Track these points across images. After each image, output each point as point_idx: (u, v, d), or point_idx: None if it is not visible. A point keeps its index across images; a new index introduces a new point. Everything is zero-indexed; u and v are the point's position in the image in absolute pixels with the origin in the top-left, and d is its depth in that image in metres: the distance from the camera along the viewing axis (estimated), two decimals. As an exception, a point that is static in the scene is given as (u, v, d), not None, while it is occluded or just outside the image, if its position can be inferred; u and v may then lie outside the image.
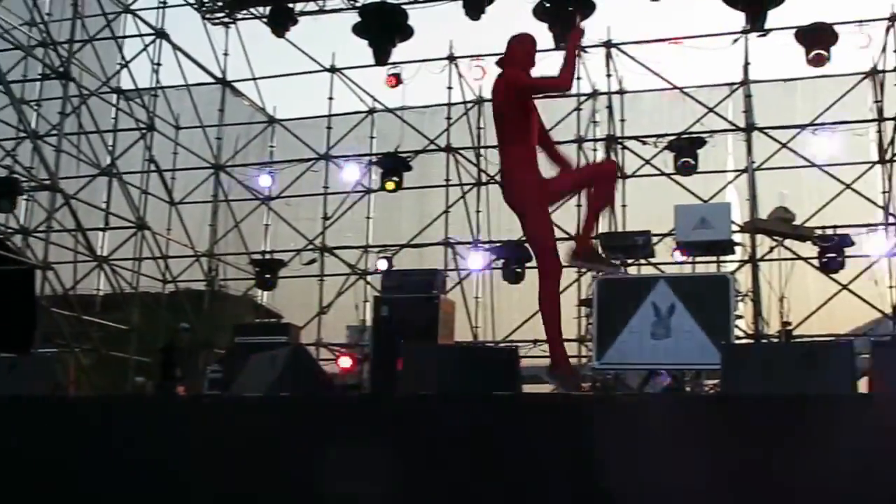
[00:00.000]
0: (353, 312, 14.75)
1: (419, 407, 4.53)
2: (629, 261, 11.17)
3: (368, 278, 15.16)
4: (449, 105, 15.40)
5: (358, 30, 14.10)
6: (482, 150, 15.51)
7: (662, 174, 14.05)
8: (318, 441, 4.29)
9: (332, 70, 15.97)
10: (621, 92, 14.95)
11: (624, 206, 14.54)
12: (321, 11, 15.22)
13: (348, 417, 4.53)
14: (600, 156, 14.78)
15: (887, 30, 13.56)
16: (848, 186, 13.39)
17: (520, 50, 5.89)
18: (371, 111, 16.38)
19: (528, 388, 9.74)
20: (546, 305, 5.69)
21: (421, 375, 6.10)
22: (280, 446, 4.32)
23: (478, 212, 15.25)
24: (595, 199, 5.78)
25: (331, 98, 16.06)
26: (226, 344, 12.73)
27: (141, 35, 15.42)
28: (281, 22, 14.60)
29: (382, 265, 14.38)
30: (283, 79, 16.84)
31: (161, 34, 15.34)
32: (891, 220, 13.37)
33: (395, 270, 13.56)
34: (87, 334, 13.32)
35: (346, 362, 12.84)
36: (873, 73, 13.98)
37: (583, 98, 14.87)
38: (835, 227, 12.69)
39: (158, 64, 15.42)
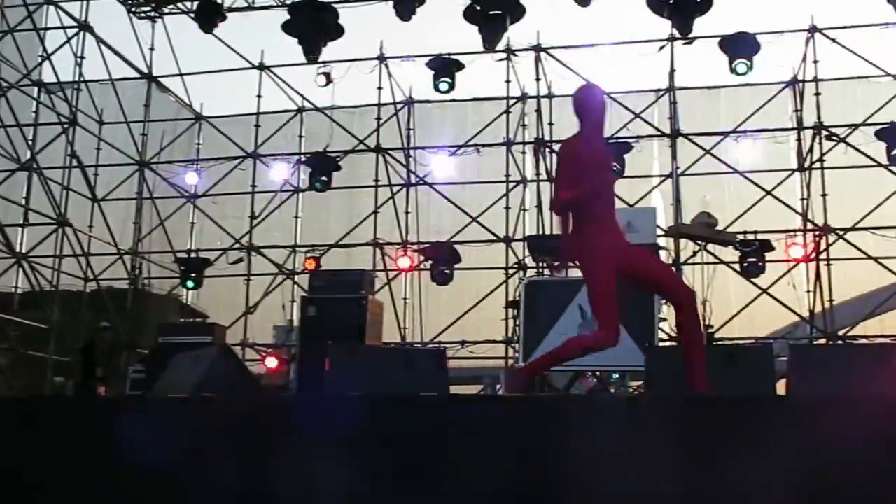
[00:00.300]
0: (280, 312, 14.61)
1: (346, 408, 4.50)
2: (556, 263, 11.24)
3: (296, 278, 15.05)
4: (379, 105, 15.36)
5: (287, 28, 13.99)
6: (412, 152, 15.52)
7: (589, 178, 14.18)
8: (242, 443, 4.24)
9: (261, 68, 15.81)
10: (550, 96, 15.08)
11: (551, 209, 14.68)
12: (250, 8, 15.05)
13: (274, 418, 4.48)
14: (529, 159, 14.90)
15: (807, 41, 13.94)
16: (768, 193, 13.71)
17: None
18: (300, 110, 16.26)
19: (455, 389, 9.79)
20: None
21: (348, 376, 6.08)
22: (204, 449, 4.25)
23: (407, 213, 15.27)
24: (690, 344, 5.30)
25: (259, 96, 15.92)
26: (149, 344, 12.52)
27: (64, 27, 15.06)
28: (209, 17, 14.40)
29: (310, 265, 14.30)
30: (211, 75, 16.63)
31: (85, 27, 15.00)
32: (809, 226, 13.73)
33: (323, 270, 13.49)
34: (5, 333, 12.96)
35: (272, 363, 12.73)
36: (793, 83, 14.36)
37: (512, 101, 14.97)
38: (756, 232, 12.98)
39: (82, 57, 15.06)
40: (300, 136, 16.25)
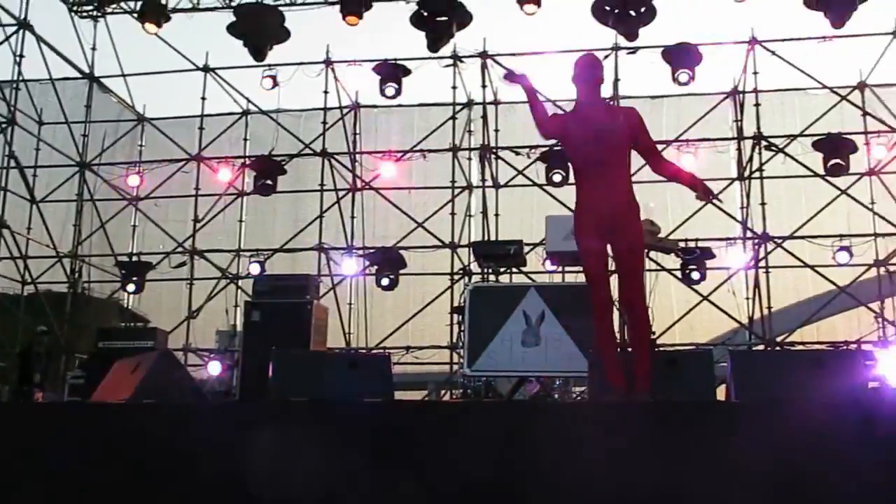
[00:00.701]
0: (223, 317, 14.48)
1: (290, 413, 4.48)
2: (501, 269, 11.31)
3: (240, 282, 14.91)
4: (325, 109, 15.29)
5: (233, 29, 13.89)
6: (358, 156, 15.48)
7: (535, 184, 14.31)
8: (183, 449, 4.19)
9: (206, 69, 15.64)
10: (496, 102, 15.18)
11: (497, 215, 14.77)
12: (195, 9, 14.91)
13: (216, 424, 4.44)
14: (475, 165, 14.95)
15: (747, 52, 14.21)
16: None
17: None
18: (245, 113, 16.13)
19: (400, 395, 9.78)
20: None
21: (292, 381, 6.05)
22: (144, 455, 4.19)
23: (352, 218, 15.22)
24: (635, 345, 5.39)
25: (203, 98, 15.72)
26: (88, 349, 12.32)
27: (3, 25, 14.74)
28: (153, 18, 14.23)
29: (254, 269, 14.19)
30: (154, 76, 16.44)
31: (24, 25, 14.69)
32: (748, 234, 13.97)
33: (268, 275, 13.41)
34: (-63, 337, 12.66)
35: (215, 368, 12.59)
36: (734, 94, 14.62)
37: (458, 107, 15.02)
38: (697, 240, 13.18)
39: (21, 56, 14.75)
40: (245, 140, 16.11)
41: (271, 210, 15.78)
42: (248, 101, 16.02)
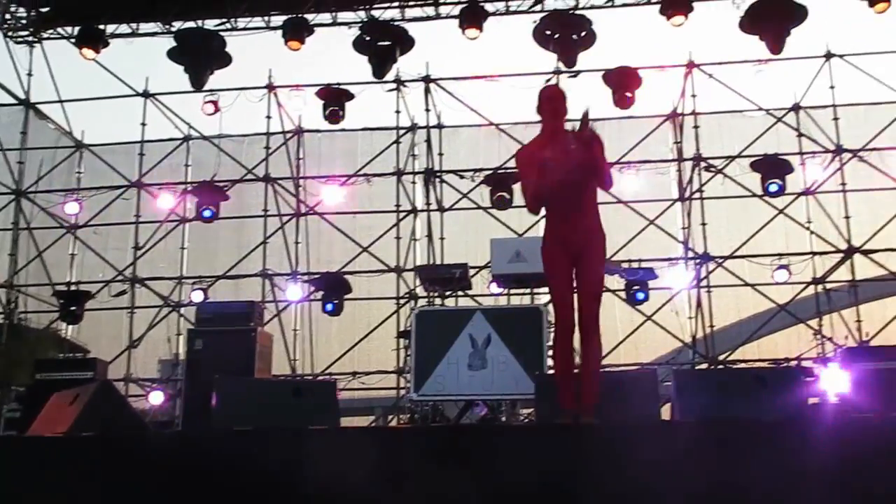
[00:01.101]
0: (165, 346, 14.27)
1: (234, 443, 4.41)
2: (446, 293, 11.30)
3: (182, 310, 14.68)
4: (268, 134, 15.21)
5: (173, 55, 13.78)
6: (301, 181, 15.40)
7: (479, 208, 14.37)
8: (124, 482, 4.10)
9: (146, 95, 15.44)
10: (440, 126, 15.24)
11: (442, 238, 14.79)
12: (134, 35, 14.76)
13: (159, 456, 4.35)
14: (420, 188, 14.97)
15: (685, 76, 14.47)
16: (651, 222, 14.10)
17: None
18: (186, 138, 15.93)
19: (346, 421, 9.70)
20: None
21: (236, 410, 5.96)
22: (82, 490, 4.09)
23: (297, 243, 15.12)
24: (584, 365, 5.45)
25: (144, 124, 15.52)
26: (26, 381, 12.01)
27: (-65, 51, 14.44)
28: (91, 43, 14.05)
29: (197, 297, 14.00)
30: (93, 102, 16.19)
31: (-43, 51, 14.42)
32: (690, 254, 14.16)
33: (211, 302, 13.24)
34: None
35: (157, 398, 12.39)
36: (673, 116, 14.85)
37: (402, 131, 15.04)
38: (640, 260, 13.33)
39: (-46, 82, 14.47)
40: (186, 165, 15.90)
41: (214, 236, 15.59)
42: (190, 126, 15.85)
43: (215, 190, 14.71)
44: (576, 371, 5.46)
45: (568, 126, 5.55)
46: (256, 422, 5.55)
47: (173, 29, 14.44)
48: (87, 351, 14.99)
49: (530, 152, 5.54)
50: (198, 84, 13.78)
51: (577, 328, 5.40)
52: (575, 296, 5.43)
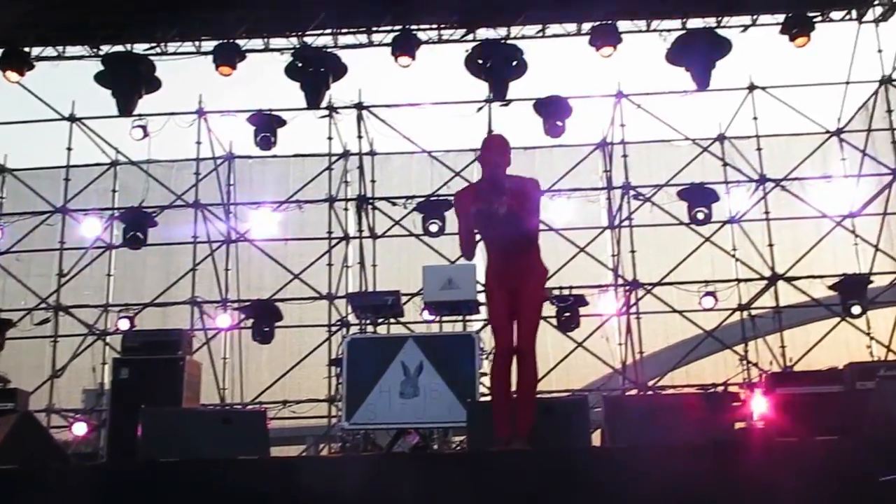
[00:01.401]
0: (89, 375, 13.92)
1: (160, 475, 4.32)
2: (379, 320, 11.26)
3: (108, 339, 14.35)
4: (198, 160, 15.03)
5: (101, 79, 13.56)
6: (232, 207, 15.24)
7: (411, 235, 14.38)
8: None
9: (72, 119, 15.14)
10: (372, 153, 15.23)
11: (374, 265, 14.76)
12: (60, 58, 14.49)
13: (82, 490, 4.24)
14: (352, 215, 14.92)
15: (614, 105, 14.74)
16: (582, 250, 14.26)
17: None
18: (114, 164, 15.62)
19: (277, 451, 9.57)
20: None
21: (163, 441, 5.85)
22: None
23: (227, 270, 14.93)
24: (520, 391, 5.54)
25: (70, 148, 15.18)
26: (-59, 412, 11.60)
27: None
28: (15, 66, 13.75)
29: (124, 325, 13.71)
30: (16, 126, 15.77)
31: None
32: (620, 281, 14.35)
33: (138, 330, 12.98)
34: None
35: (80, 429, 12.09)
36: (603, 145, 15.09)
37: (334, 158, 15.00)
38: (570, 287, 13.45)
39: None
40: (114, 191, 15.60)
41: (141, 263, 15.30)
42: (118, 151, 15.54)
43: (143, 216, 14.46)
44: (512, 398, 5.51)
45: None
46: (184, 453, 5.46)
47: (101, 52, 14.23)
48: (7, 381, 14.51)
49: (464, 198, 5.78)
50: (126, 109, 13.57)
51: (513, 355, 5.48)
52: (514, 324, 5.54)
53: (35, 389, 13.31)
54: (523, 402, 5.47)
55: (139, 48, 14.21)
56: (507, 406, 5.48)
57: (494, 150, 5.75)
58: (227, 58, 13.63)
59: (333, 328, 13.98)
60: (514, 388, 5.56)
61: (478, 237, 5.85)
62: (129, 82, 13.57)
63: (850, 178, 14.70)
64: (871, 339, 13.71)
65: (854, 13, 14.39)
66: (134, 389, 9.16)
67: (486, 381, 11.27)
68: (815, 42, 13.51)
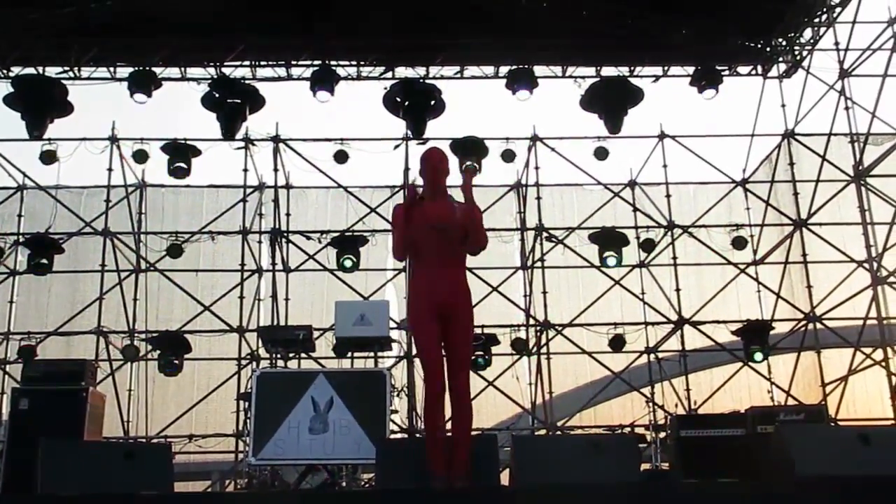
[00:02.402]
0: (-14, 406, 13.45)
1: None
2: (290, 355, 11.16)
3: (7, 367, 13.88)
4: (109, 187, 14.72)
5: (10, 101, 13.24)
6: (143, 236, 14.96)
7: (325, 269, 14.33)
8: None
9: (-23, 141, 14.73)
10: (288, 187, 15.16)
11: (286, 299, 14.62)
12: (-33, 78, 14.14)
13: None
14: (266, 248, 14.79)
15: (529, 148, 15.00)
16: (494, 289, 14.39)
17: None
18: (21, 188, 15.21)
19: (182, 486, 9.38)
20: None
21: (63, 475, 5.68)
22: None
23: (135, 300, 14.64)
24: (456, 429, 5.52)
25: (-26, 171, 14.76)
26: None
27: None
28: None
29: (24, 354, 13.28)
30: (-83, 147, 15.27)
31: None
32: (531, 321, 14.51)
33: (39, 360, 12.61)
34: None
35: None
36: (517, 186, 15.33)
37: (249, 190, 14.89)
38: (483, 326, 13.54)
39: None
40: (19, 216, 15.18)
41: (46, 290, 14.89)
42: (25, 175, 15.13)
43: (49, 242, 14.08)
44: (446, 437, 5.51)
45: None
46: (85, 487, 5.32)
47: (12, 74, 13.92)
48: None
49: (406, 207, 5.67)
50: (36, 132, 13.26)
51: (445, 391, 5.45)
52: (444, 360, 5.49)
53: (-73, 419, 12.79)
54: (462, 442, 5.43)
55: (52, 71, 13.96)
56: (443, 445, 5.45)
57: (434, 159, 5.77)
58: (143, 85, 13.46)
59: (243, 362, 13.78)
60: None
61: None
62: (39, 105, 13.28)
63: (754, 227, 15.20)
64: (772, 383, 14.12)
65: (759, 69, 15.02)
66: (33, 421, 8.89)
67: (397, 418, 11.33)
68: (723, 95, 14.05)
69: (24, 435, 8.68)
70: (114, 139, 14.68)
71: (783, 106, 14.89)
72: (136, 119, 15.14)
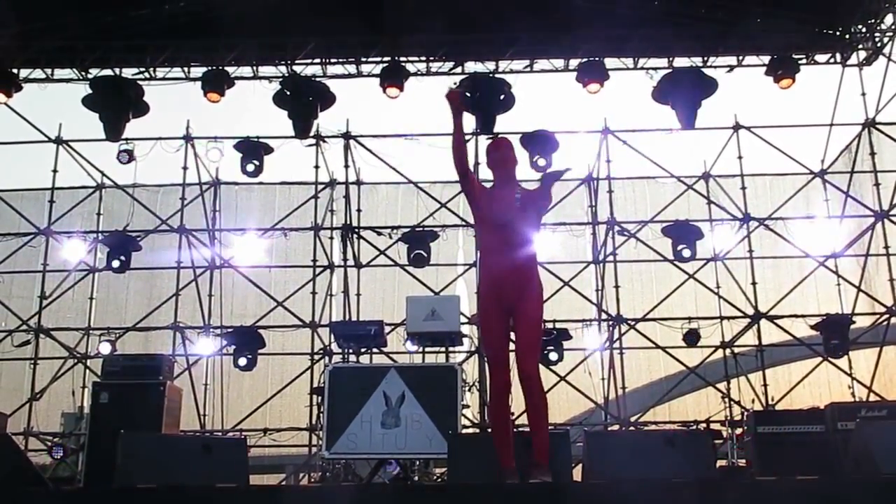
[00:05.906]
0: (69, 399, 13.81)
1: (137, 501, 4.28)
2: (361, 350, 11.23)
3: (89, 362, 14.25)
4: (184, 185, 14.99)
5: (88, 102, 13.56)
6: (217, 233, 15.21)
7: (396, 265, 14.38)
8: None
9: (58, 141, 15.10)
10: (359, 183, 15.27)
11: (358, 295, 14.73)
12: (49, 80, 14.53)
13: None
14: (337, 244, 14.91)
15: (601, 141, 14.83)
16: (566, 284, 14.28)
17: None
18: (99, 186, 15.59)
19: (256, 479, 9.50)
20: None
21: (141, 467, 5.79)
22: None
23: (210, 296, 14.91)
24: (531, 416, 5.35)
25: (55, 171, 15.13)
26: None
27: None
28: (3, 87, 13.76)
29: (105, 349, 13.61)
30: (2, 147, 15.74)
31: None
32: (603, 316, 14.37)
33: (119, 355, 12.89)
34: None
35: (59, 453, 11.97)
36: (588, 180, 15.18)
37: (320, 186, 15.02)
38: (554, 321, 13.46)
39: None
40: (98, 214, 15.56)
41: (124, 287, 15.25)
42: (103, 174, 15.51)
43: (127, 240, 14.40)
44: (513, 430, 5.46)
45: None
46: (162, 479, 5.41)
47: (90, 76, 14.26)
48: (-15, 403, 14.42)
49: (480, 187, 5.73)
50: (113, 132, 13.58)
51: (511, 386, 5.38)
52: (512, 354, 5.40)
53: (13, 412, 13.19)
54: (538, 429, 5.28)
55: (128, 72, 14.25)
56: (511, 438, 5.38)
57: (501, 148, 5.74)
58: (216, 84, 13.68)
59: (316, 357, 13.93)
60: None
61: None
62: (116, 106, 13.60)
63: (833, 219, 14.83)
64: (853, 379, 13.75)
65: (838, 56, 14.61)
66: (113, 414, 9.08)
67: (468, 412, 11.32)
68: (800, 84, 13.72)
69: (104, 427, 8.86)
70: (188, 138, 14.94)
71: (863, 94, 14.49)
72: (209, 118, 15.35)
